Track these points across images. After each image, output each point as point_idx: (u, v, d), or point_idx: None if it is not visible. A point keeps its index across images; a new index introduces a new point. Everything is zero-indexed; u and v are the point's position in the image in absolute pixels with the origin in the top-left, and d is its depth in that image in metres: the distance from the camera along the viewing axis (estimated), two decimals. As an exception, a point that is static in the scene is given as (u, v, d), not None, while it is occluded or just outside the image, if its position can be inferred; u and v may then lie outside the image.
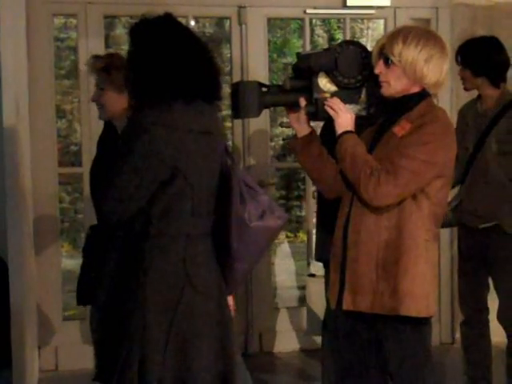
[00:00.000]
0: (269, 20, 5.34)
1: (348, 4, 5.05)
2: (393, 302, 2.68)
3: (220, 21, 6.99)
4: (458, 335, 4.80)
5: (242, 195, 2.60)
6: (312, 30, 8.28)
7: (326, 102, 2.75)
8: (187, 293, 2.53)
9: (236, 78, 4.95)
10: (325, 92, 2.78)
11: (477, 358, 4.07)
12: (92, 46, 4.73)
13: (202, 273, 2.57)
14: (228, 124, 5.35)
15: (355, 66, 2.77)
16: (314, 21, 8.44)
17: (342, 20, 5.57)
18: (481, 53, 3.90)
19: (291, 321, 5.19)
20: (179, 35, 2.60)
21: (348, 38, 5.25)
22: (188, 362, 2.53)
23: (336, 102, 2.74)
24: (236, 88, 2.79)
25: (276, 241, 6.94)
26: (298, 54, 2.86)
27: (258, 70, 4.97)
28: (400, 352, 2.75)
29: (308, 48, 5.17)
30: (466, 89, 4.00)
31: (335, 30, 8.52)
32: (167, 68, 2.53)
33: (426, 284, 2.71)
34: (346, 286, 2.76)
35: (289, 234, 8.59)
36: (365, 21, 8.10)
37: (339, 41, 3.22)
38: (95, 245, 3.21)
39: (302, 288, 6.11)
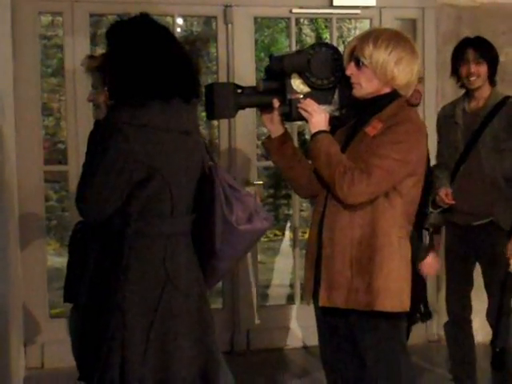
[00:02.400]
0: (256, 19, 5.34)
1: (334, 4, 5.06)
2: (368, 297, 2.72)
3: (208, 19, 6.98)
4: (442, 333, 4.86)
5: (227, 197, 2.60)
6: (300, 30, 8.29)
7: (299, 104, 2.77)
8: (167, 292, 2.54)
9: (222, 78, 4.97)
10: (298, 93, 2.80)
11: (461, 356, 4.10)
12: (78, 44, 4.74)
13: (182, 272, 2.58)
14: (214, 123, 5.35)
15: (328, 67, 2.80)
16: (301, 20, 8.48)
17: (328, 19, 5.58)
18: (494, 49, 3.89)
19: (279, 318, 5.20)
20: (155, 35, 2.61)
21: (335, 37, 5.26)
22: (169, 362, 2.54)
23: (309, 103, 2.77)
24: (210, 89, 2.80)
25: (263, 239, 6.96)
26: (270, 56, 2.88)
27: (245, 69, 4.97)
28: (376, 347, 2.79)
29: (294, 48, 5.19)
30: (473, 86, 3.89)
31: (323, 29, 8.52)
32: (142, 68, 2.54)
33: (400, 280, 2.75)
34: (322, 283, 2.79)
35: (277, 232, 8.61)
36: (352, 20, 8.11)
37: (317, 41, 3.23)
38: (80, 242, 3.22)
39: (290, 286, 6.14)
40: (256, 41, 5.66)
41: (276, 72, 2.83)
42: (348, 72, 2.75)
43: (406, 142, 2.70)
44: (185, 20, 6.33)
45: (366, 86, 2.74)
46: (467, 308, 4.08)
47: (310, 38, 8.40)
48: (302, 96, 2.79)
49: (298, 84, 2.81)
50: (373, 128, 2.73)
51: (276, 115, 2.85)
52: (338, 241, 2.76)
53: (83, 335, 2.67)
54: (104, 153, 2.49)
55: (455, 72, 3.95)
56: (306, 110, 2.77)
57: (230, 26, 4.98)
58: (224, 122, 5.02)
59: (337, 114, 2.82)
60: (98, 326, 2.57)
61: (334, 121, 2.82)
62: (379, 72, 2.71)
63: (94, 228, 2.67)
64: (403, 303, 2.77)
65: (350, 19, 8.00)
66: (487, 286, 3.97)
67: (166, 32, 2.66)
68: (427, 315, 3.42)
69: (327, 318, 2.90)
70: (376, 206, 2.73)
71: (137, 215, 2.54)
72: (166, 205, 2.56)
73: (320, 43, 2.85)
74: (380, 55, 2.69)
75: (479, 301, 4.11)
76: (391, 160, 2.67)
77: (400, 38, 2.73)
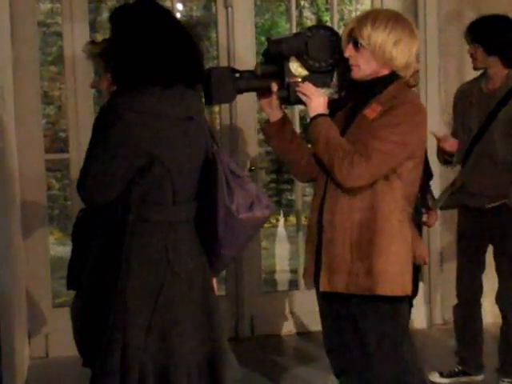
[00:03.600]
0: (256, 2, 5.30)
1: (335, -16, 5.00)
2: (368, 281, 2.71)
3: (208, 3, 6.93)
4: (448, 316, 4.85)
5: (228, 185, 2.58)
6: (300, 13, 8.23)
7: (297, 87, 2.75)
8: (169, 280, 2.53)
9: (223, 62, 4.92)
10: (296, 76, 2.77)
11: (469, 338, 4.11)
12: (77, 31, 4.70)
13: (184, 260, 2.57)
14: (215, 108, 5.33)
15: (326, 49, 2.77)
16: (302, 3, 8.42)
17: (329, 1, 5.53)
18: (496, 31, 3.85)
19: (282, 304, 5.19)
20: (159, 19, 2.58)
21: (336, 20, 5.18)
22: (170, 349, 2.54)
23: (308, 87, 2.75)
24: (208, 74, 2.77)
25: (267, 224, 6.93)
26: (268, 39, 2.86)
27: (245, 53, 4.92)
28: (378, 331, 2.78)
29: (295, 30, 5.14)
30: (475, 68, 3.94)
31: (323, 12, 8.46)
32: (145, 53, 2.52)
33: (401, 263, 2.74)
34: (323, 267, 2.78)
35: (279, 217, 8.58)
36: (353, 2, 8.05)
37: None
38: (83, 229, 3.21)
39: (294, 271, 6.13)
40: (256, 24, 5.60)
41: (274, 55, 2.81)
42: (346, 54, 2.73)
43: (405, 124, 2.68)
44: (184, 5, 6.28)
45: (364, 67, 2.72)
46: (479, 290, 4.08)
47: (310, 21, 8.34)
48: (300, 79, 2.77)
49: (296, 67, 2.79)
50: (372, 111, 2.71)
51: (274, 99, 2.83)
52: (338, 225, 2.74)
53: (85, 321, 2.68)
54: (105, 139, 2.48)
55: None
56: (304, 94, 2.75)
57: (229, 9, 4.93)
58: (225, 108, 4.98)
59: (336, 96, 2.80)
60: (99, 311, 2.57)
61: (333, 104, 2.79)
62: (377, 53, 2.69)
63: (96, 215, 2.66)
64: (404, 287, 2.75)
65: (350, 1, 7.95)
66: (497, 270, 3.96)
67: (169, 16, 2.63)
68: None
69: (329, 302, 2.89)
70: (376, 189, 2.71)
71: (138, 202, 2.52)
72: (167, 192, 2.54)
73: (318, 25, 2.83)
74: (378, 36, 2.67)
75: (489, 283, 4.12)
76: (390, 143, 2.65)
77: (398, 19, 2.72)
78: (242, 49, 4.95)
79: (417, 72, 3.67)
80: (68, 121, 4.91)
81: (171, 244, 2.54)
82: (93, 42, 3.36)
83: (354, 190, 2.71)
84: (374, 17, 2.69)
